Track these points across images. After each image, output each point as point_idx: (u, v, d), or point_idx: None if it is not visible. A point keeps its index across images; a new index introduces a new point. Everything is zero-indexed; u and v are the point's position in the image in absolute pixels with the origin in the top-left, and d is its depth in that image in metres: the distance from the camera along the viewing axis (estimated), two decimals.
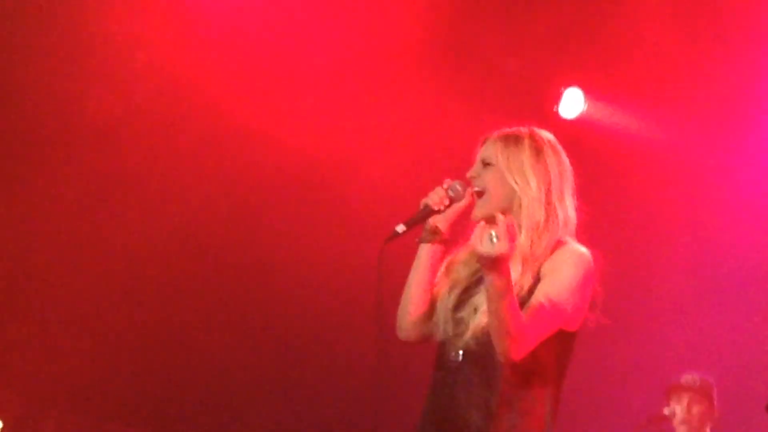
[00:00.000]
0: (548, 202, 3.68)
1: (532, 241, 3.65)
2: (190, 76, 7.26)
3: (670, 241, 7.90)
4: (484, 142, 3.83)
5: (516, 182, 3.70)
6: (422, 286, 3.81)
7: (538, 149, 3.74)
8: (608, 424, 7.31)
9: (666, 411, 6.49)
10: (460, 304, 3.74)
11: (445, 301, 3.78)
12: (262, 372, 8.05)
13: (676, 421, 6.50)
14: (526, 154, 3.72)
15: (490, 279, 3.38)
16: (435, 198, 3.77)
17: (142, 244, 7.61)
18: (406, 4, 7.36)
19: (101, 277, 7.60)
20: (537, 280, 3.62)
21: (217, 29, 7.23)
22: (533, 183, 3.69)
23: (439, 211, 3.78)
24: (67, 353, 7.59)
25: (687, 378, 6.54)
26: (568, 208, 3.72)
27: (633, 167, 7.78)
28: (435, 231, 3.81)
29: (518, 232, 3.66)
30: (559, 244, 3.67)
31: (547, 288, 3.56)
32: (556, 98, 7.72)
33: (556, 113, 7.66)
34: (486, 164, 3.77)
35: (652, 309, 7.68)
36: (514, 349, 3.45)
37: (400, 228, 3.73)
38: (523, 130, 3.80)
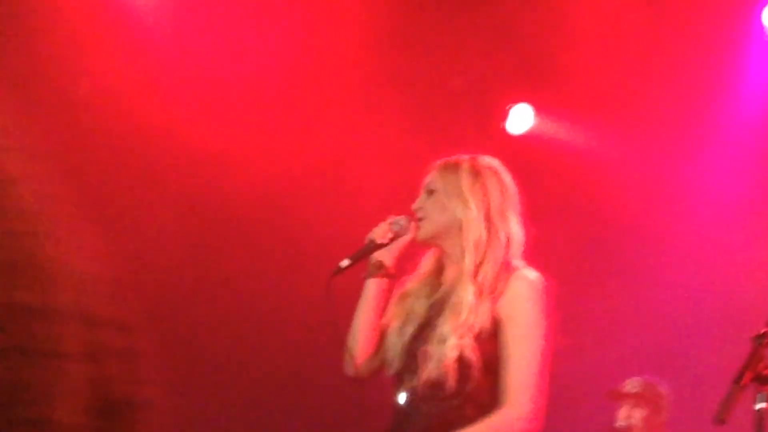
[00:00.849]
0: (489, 221, 3.72)
1: (477, 260, 3.66)
2: (139, 101, 7.21)
3: (620, 252, 7.94)
4: (428, 173, 3.87)
5: (455, 205, 3.75)
6: (369, 323, 3.82)
7: (476, 173, 3.79)
8: None
9: (617, 424, 6.45)
10: (417, 337, 3.73)
11: (398, 334, 3.77)
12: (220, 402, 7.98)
13: (623, 430, 6.43)
14: (463, 178, 3.78)
15: None
16: (379, 232, 3.79)
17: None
18: (350, 23, 7.34)
19: None
20: (495, 317, 3.62)
21: (168, 49, 7.19)
22: (472, 204, 3.73)
23: (383, 245, 3.80)
24: None
25: (628, 383, 6.49)
26: (510, 227, 3.74)
27: (582, 181, 7.81)
28: (380, 266, 3.82)
29: (461, 254, 3.69)
30: (508, 269, 3.68)
31: (523, 350, 3.60)
32: (504, 115, 7.74)
33: (504, 130, 7.68)
34: (429, 192, 3.82)
35: (601, 320, 7.68)
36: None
37: (344, 263, 3.76)
38: (464, 157, 3.87)
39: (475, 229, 3.70)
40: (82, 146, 7.20)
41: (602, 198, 7.78)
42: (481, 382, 3.57)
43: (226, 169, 7.51)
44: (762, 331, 3.22)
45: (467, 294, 3.59)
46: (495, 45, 7.54)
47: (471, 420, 3.56)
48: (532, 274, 3.69)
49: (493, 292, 3.63)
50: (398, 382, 3.73)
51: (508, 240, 3.72)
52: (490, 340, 3.58)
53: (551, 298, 3.69)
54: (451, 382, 3.58)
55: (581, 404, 7.25)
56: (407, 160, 7.34)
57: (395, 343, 3.77)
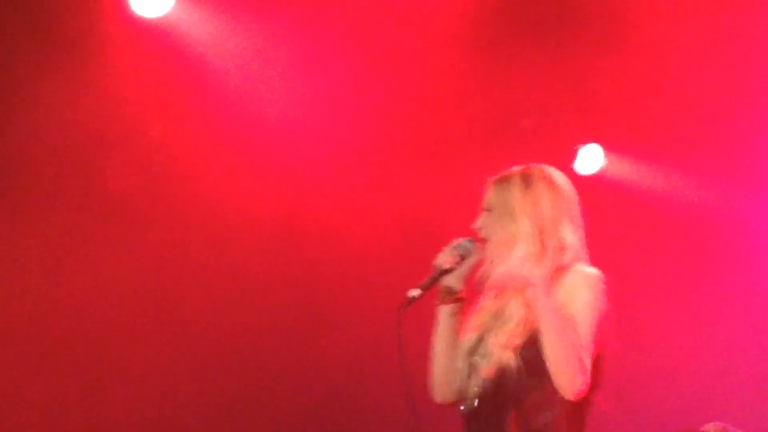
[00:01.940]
0: (541, 233, 3.70)
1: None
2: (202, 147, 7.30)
3: (692, 290, 7.87)
4: (486, 190, 3.87)
5: (508, 222, 3.74)
6: (447, 350, 3.80)
7: (526, 184, 3.78)
8: None
9: None
10: (472, 351, 3.77)
11: (463, 347, 3.79)
12: None
13: None
14: (514, 192, 3.77)
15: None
16: (444, 257, 3.78)
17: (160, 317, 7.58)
18: (417, 59, 7.37)
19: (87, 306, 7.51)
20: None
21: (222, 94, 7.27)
22: (523, 218, 3.71)
23: (451, 270, 3.77)
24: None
25: (708, 428, 6.41)
26: (564, 235, 3.71)
27: (654, 220, 7.76)
28: (450, 291, 3.81)
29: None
30: (562, 269, 3.66)
31: (576, 323, 3.55)
32: (573, 155, 7.72)
33: (573, 170, 7.67)
34: (487, 210, 3.82)
35: (671, 359, 7.60)
36: (581, 379, 3.49)
37: (415, 293, 3.72)
38: (516, 168, 3.87)
39: (525, 243, 3.67)
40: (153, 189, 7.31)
41: (674, 238, 7.73)
42: (525, 385, 3.56)
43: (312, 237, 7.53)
44: None
45: (515, 307, 3.62)
46: (566, 83, 7.54)
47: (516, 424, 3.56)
48: (589, 269, 3.68)
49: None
50: (461, 394, 3.76)
51: (561, 249, 3.69)
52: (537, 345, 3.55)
53: (610, 295, 3.65)
54: (491, 393, 3.61)
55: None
56: (477, 199, 7.37)
57: (459, 356, 3.79)
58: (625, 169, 7.84)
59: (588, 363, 3.50)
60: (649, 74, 7.38)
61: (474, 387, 3.70)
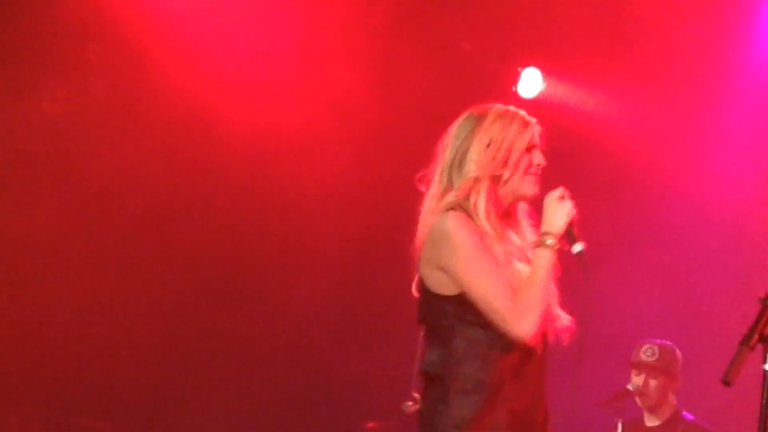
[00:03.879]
0: None
1: None
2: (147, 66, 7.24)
3: (632, 214, 7.94)
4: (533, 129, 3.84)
5: None
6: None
7: None
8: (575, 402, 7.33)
9: (629, 386, 6.50)
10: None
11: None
12: (222, 369, 8.05)
13: (636, 395, 6.50)
14: None
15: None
16: (568, 209, 3.77)
17: (99, 235, 7.57)
18: None
19: (63, 269, 7.54)
20: None
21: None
22: None
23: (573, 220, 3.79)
24: (29, 348, 7.53)
25: (644, 351, 6.51)
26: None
27: (592, 144, 7.81)
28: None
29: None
30: None
31: None
32: (515, 78, 7.74)
33: (515, 93, 7.68)
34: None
35: (614, 282, 7.69)
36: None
37: (580, 246, 3.73)
38: None
39: None
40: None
41: (614, 161, 7.78)
42: None
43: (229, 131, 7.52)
44: None
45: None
46: (506, 9, 7.52)
47: None
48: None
49: None
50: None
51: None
52: None
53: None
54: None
55: (594, 366, 7.26)
56: (422, 121, 7.40)
57: None
58: (565, 93, 7.86)
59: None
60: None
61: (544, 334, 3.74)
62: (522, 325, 3.57)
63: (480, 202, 3.67)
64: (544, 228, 3.71)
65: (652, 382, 6.46)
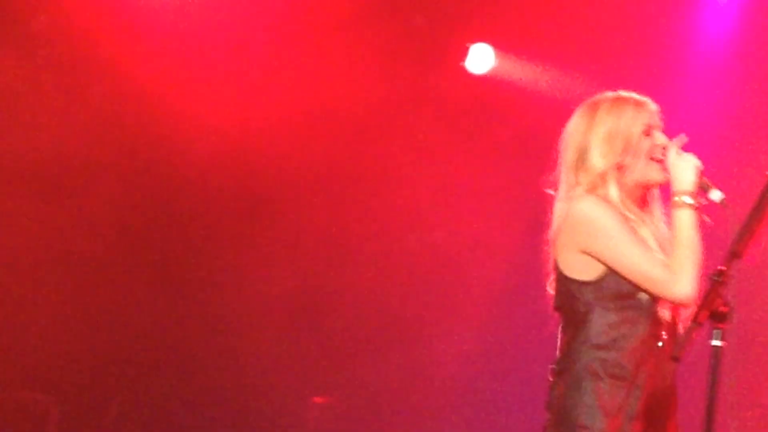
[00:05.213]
0: None
1: None
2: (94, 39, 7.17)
3: None
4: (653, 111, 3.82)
5: None
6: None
7: None
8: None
9: None
10: None
11: None
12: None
13: None
14: None
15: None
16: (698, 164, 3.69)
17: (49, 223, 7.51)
18: None
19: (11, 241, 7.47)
20: None
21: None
22: None
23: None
24: None
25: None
26: None
27: (542, 121, 7.83)
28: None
29: None
30: None
31: None
32: (464, 54, 7.75)
33: (464, 68, 7.69)
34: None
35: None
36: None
37: (719, 194, 3.62)
38: None
39: None
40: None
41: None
42: None
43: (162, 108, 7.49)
44: (718, 268, 3.25)
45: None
46: None
47: None
48: None
49: None
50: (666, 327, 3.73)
51: None
52: None
53: None
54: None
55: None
56: (374, 99, 7.40)
57: None
58: (516, 69, 7.87)
59: None
60: None
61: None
62: (683, 285, 3.53)
63: (611, 193, 3.65)
64: (675, 188, 3.63)
65: None
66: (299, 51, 7.58)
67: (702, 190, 3.64)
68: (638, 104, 3.76)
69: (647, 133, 3.73)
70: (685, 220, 3.59)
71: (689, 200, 3.60)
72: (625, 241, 3.57)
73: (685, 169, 3.63)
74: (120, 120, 7.49)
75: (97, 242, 7.61)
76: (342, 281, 7.88)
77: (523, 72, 7.85)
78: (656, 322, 3.63)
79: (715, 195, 3.63)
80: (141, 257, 7.87)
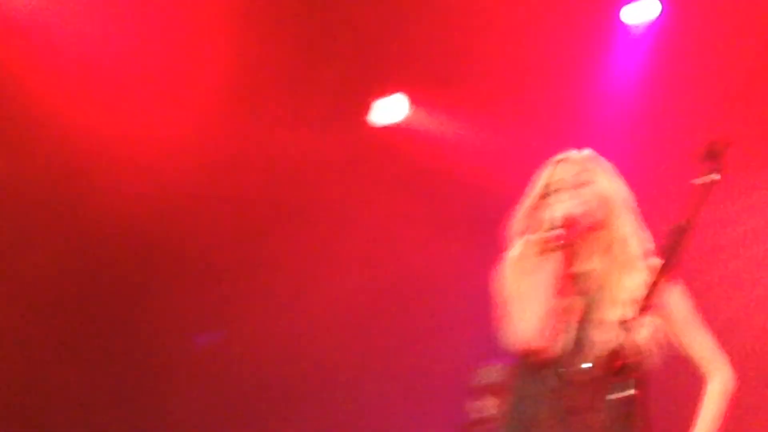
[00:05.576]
0: None
1: None
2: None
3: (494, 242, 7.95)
4: None
5: None
6: (550, 297, 3.62)
7: None
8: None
9: (476, 415, 6.44)
10: (585, 320, 3.64)
11: (572, 315, 3.64)
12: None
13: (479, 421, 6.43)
14: None
15: None
16: None
17: None
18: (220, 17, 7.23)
19: None
20: None
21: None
22: None
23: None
24: None
25: (483, 374, 6.46)
26: None
27: (456, 171, 7.82)
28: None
29: None
30: None
31: None
32: (369, 107, 7.76)
33: (372, 120, 7.70)
34: None
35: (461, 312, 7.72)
36: None
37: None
38: None
39: None
40: None
41: (474, 189, 7.79)
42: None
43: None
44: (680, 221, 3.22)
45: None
46: (371, 37, 7.50)
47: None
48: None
49: None
50: (555, 364, 3.59)
51: None
52: None
53: None
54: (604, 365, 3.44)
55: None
56: (281, 151, 7.33)
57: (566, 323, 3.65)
58: (429, 120, 7.87)
59: None
60: (456, 24, 7.39)
61: (580, 362, 3.56)
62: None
63: None
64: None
65: (492, 401, 6.44)
66: (204, 100, 7.48)
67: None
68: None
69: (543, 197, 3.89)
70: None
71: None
72: None
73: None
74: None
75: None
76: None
77: (437, 121, 7.86)
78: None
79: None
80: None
